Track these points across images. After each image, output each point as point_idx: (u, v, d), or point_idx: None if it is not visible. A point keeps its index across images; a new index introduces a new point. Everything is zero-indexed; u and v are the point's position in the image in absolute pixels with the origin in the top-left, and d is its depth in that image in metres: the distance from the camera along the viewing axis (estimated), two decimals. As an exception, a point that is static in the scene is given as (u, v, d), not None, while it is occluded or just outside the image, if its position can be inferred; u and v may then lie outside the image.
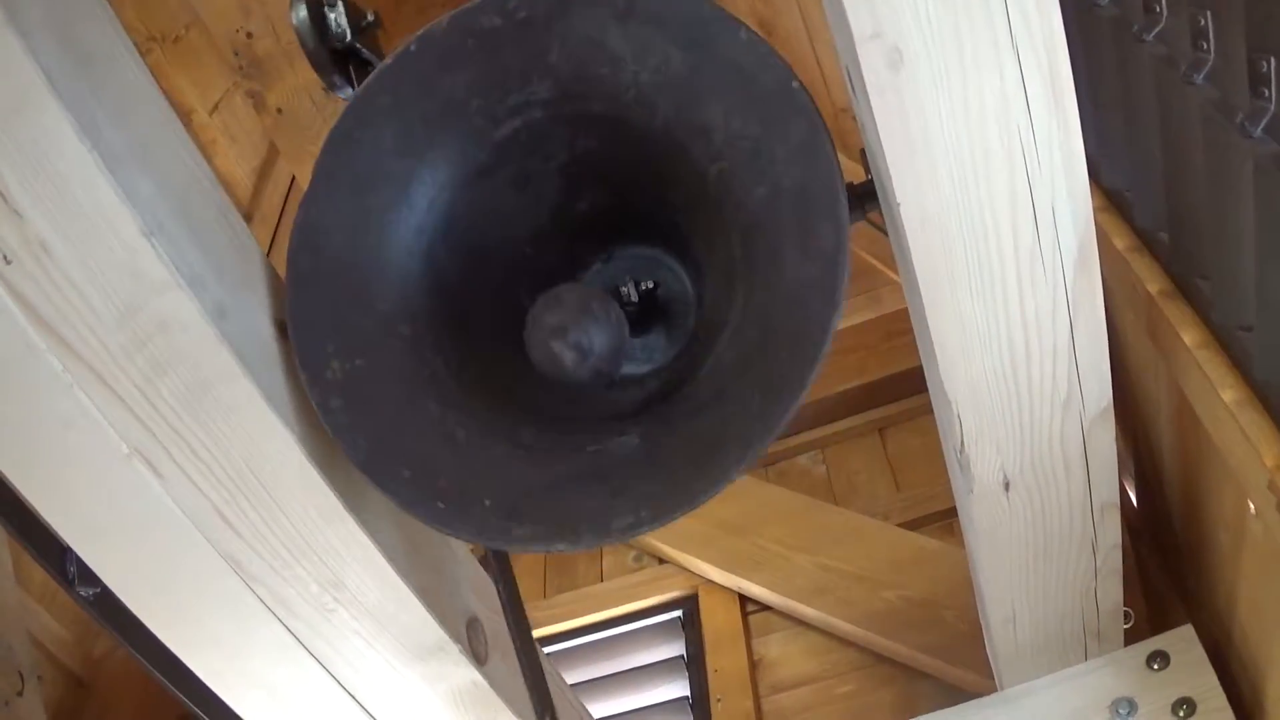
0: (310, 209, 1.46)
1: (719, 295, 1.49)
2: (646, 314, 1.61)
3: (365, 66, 1.64)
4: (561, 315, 1.43)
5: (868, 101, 1.26)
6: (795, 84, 1.34)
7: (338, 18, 1.69)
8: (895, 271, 3.17)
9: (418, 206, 1.47)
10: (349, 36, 1.65)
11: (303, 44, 1.68)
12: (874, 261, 3.60)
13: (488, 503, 1.44)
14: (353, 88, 1.61)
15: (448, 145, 1.46)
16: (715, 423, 1.41)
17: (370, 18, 1.75)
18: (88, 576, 1.50)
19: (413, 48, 1.44)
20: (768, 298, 1.38)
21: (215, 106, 4.10)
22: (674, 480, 1.40)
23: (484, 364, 1.53)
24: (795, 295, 1.35)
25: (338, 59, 1.70)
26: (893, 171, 1.30)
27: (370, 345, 1.45)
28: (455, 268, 1.51)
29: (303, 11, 1.70)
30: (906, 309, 1.60)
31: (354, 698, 1.65)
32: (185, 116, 3.90)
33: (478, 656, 1.66)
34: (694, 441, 1.42)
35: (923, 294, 1.41)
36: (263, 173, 4.20)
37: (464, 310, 1.53)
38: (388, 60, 1.45)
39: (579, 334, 1.41)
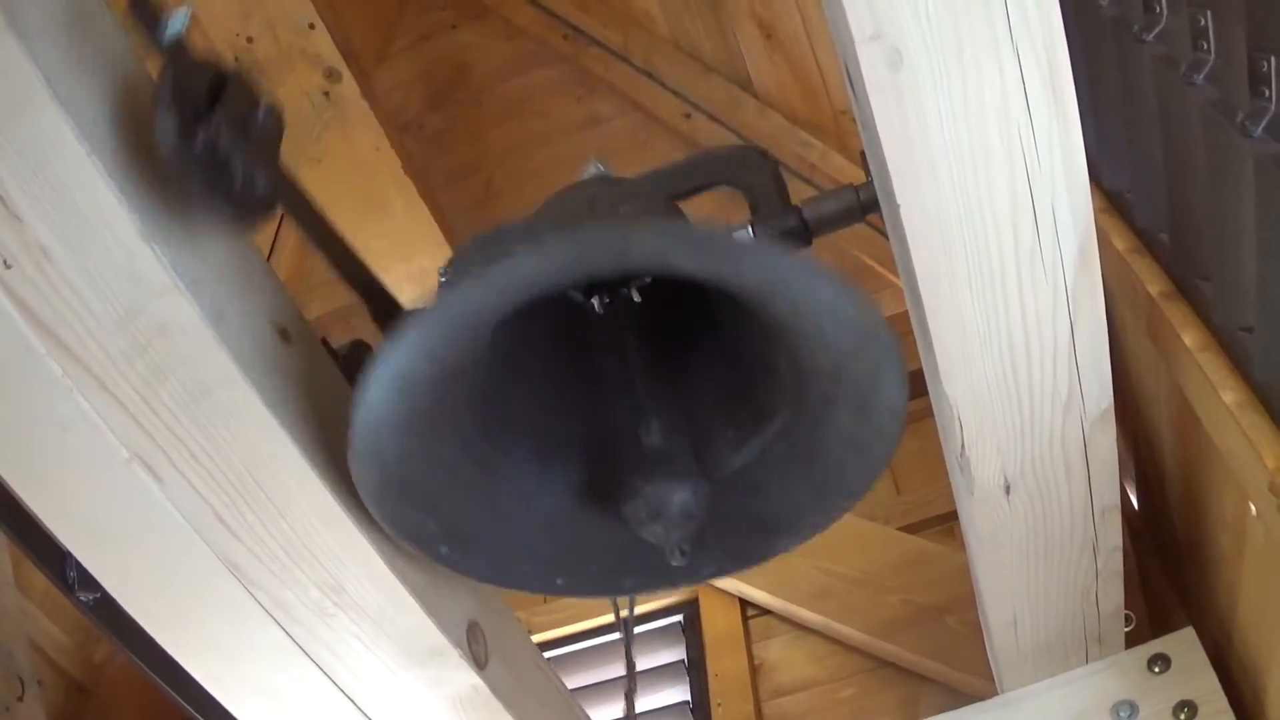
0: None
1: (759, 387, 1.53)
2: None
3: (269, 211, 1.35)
4: (664, 522, 1.45)
5: (868, 102, 1.26)
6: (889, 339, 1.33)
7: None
8: (895, 274, 3.18)
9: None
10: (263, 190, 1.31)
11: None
12: (874, 264, 3.61)
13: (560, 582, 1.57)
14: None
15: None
16: (763, 506, 1.50)
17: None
18: (87, 581, 1.50)
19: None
20: (813, 429, 1.44)
21: (216, 110, 4.09)
22: (726, 555, 1.50)
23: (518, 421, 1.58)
24: (842, 444, 1.43)
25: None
26: (892, 172, 1.30)
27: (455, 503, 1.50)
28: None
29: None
30: (906, 312, 1.59)
31: (354, 702, 1.64)
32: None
33: (478, 661, 1.66)
34: (749, 520, 1.50)
35: (922, 294, 1.41)
36: (263, 176, 4.19)
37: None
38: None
39: (675, 532, 1.45)
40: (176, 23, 1.23)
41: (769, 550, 1.50)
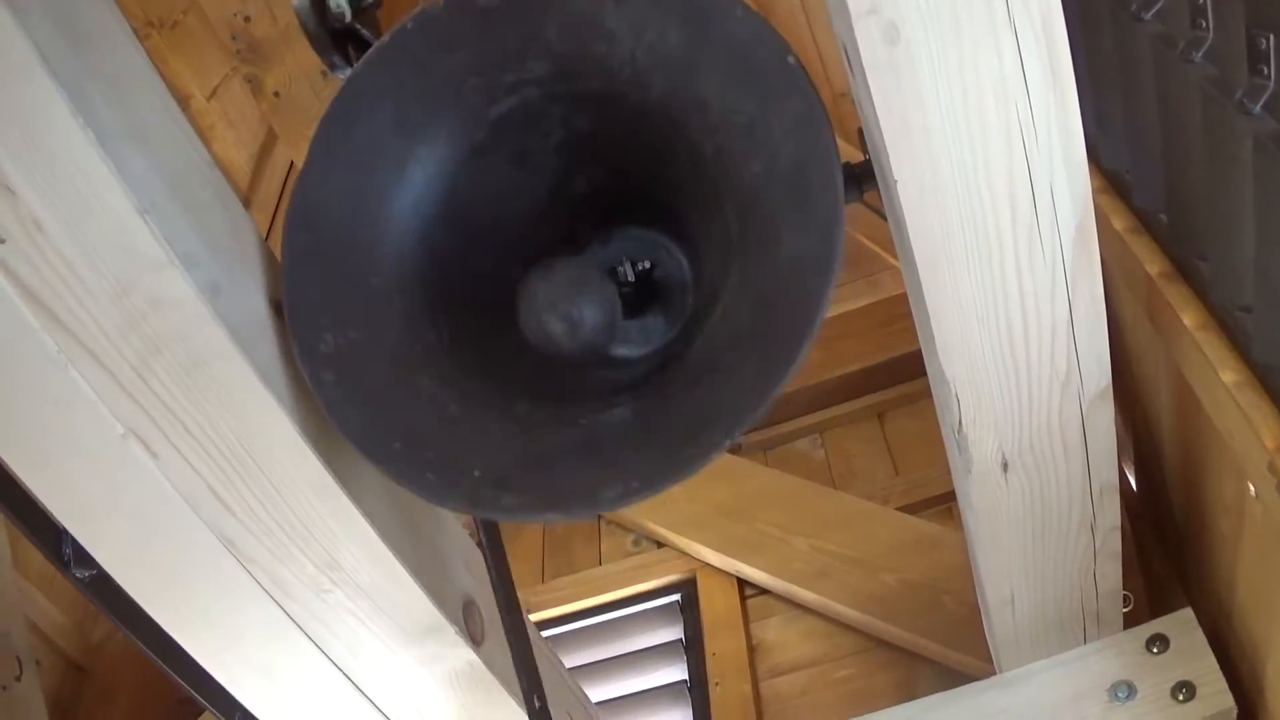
0: (306, 186, 1.45)
1: (715, 274, 1.49)
2: (643, 295, 1.60)
3: (365, 47, 1.64)
4: (553, 288, 1.43)
5: (865, 78, 1.25)
6: (791, 59, 1.33)
7: None
8: (893, 256, 3.17)
9: (414, 184, 1.47)
10: (348, 17, 1.65)
11: (302, 25, 1.67)
12: (872, 246, 3.60)
13: (478, 473, 1.43)
14: (352, 68, 1.61)
15: (445, 123, 1.46)
16: (708, 394, 1.40)
17: None
18: (83, 558, 1.49)
19: (410, 26, 1.44)
20: (763, 271, 1.37)
21: (213, 92, 4.10)
22: (665, 451, 1.40)
23: (479, 340, 1.53)
24: (791, 268, 1.35)
25: (337, 40, 1.69)
26: (890, 149, 1.30)
27: (364, 319, 1.45)
28: (451, 245, 1.51)
29: None
30: (904, 294, 1.59)
31: (350, 679, 1.64)
32: (183, 102, 3.90)
33: (474, 638, 1.66)
34: (686, 412, 1.41)
35: (920, 273, 1.41)
36: (260, 158, 4.20)
37: (460, 287, 1.53)
38: (385, 39, 1.46)
39: (570, 306, 1.42)
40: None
41: (704, 451, 1.44)
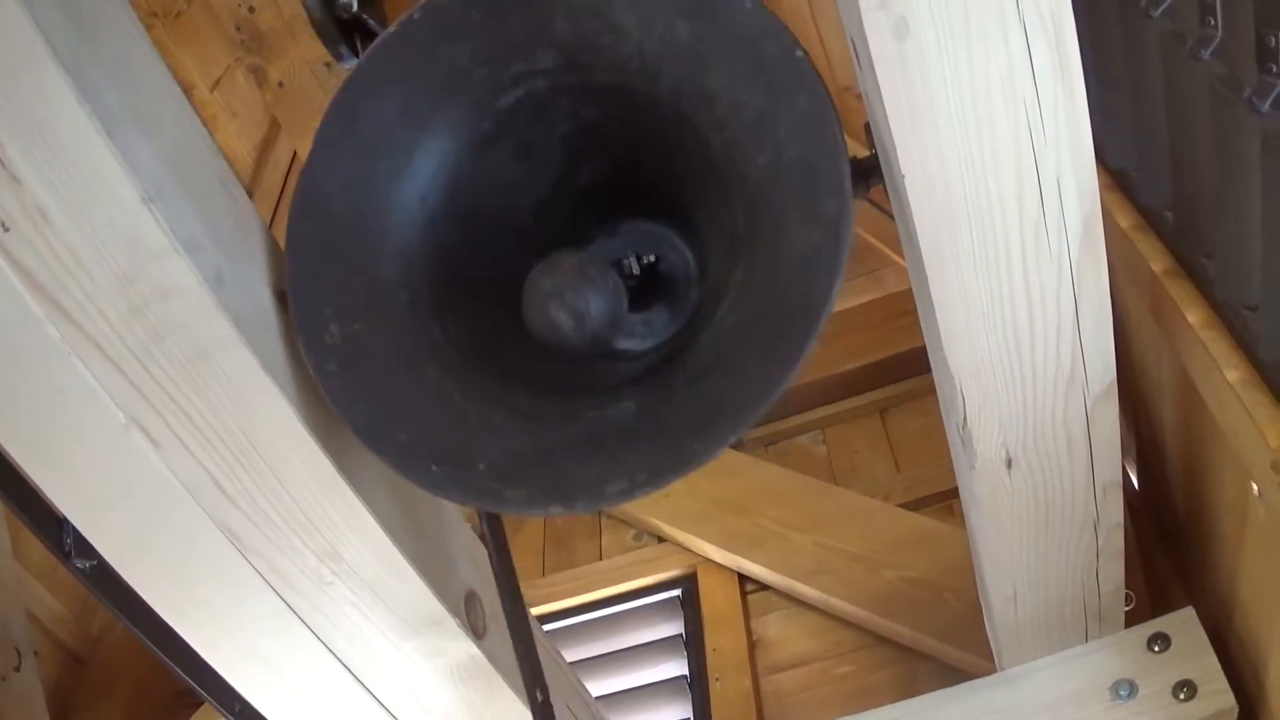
0: (312, 175, 1.45)
1: (721, 268, 1.49)
2: (649, 289, 1.60)
3: (371, 37, 1.64)
4: (558, 280, 1.42)
5: (873, 72, 1.25)
6: (799, 53, 1.33)
7: None
8: (897, 253, 3.16)
9: (420, 174, 1.46)
10: (355, 7, 1.65)
11: (309, 15, 1.68)
12: (876, 243, 3.60)
13: (482, 466, 1.43)
14: (358, 58, 1.61)
15: (451, 114, 1.46)
16: (713, 388, 1.40)
17: None
18: (84, 548, 1.49)
19: (417, 16, 1.43)
20: (769, 266, 1.37)
21: (217, 82, 4.09)
22: (670, 445, 1.39)
23: (484, 332, 1.53)
24: (797, 263, 1.34)
25: (344, 29, 1.69)
26: (898, 142, 1.30)
27: (369, 310, 1.45)
28: (457, 236, 1.51)
29: None
30: (908, 290, 1.59)
31: (351, 671, 1.64)
32: (186, 93, 3.88)
33: (476, 631, 1.66)
34: (691, 406, 1.41)
35: (926, 267, 1.41)
36: (264, 149, 4.19)
37: (465, 278, 1.52)
38: (391, 28, 1.45)
39: (575, 299, 1.41)
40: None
41: (709, 446, 1.44)
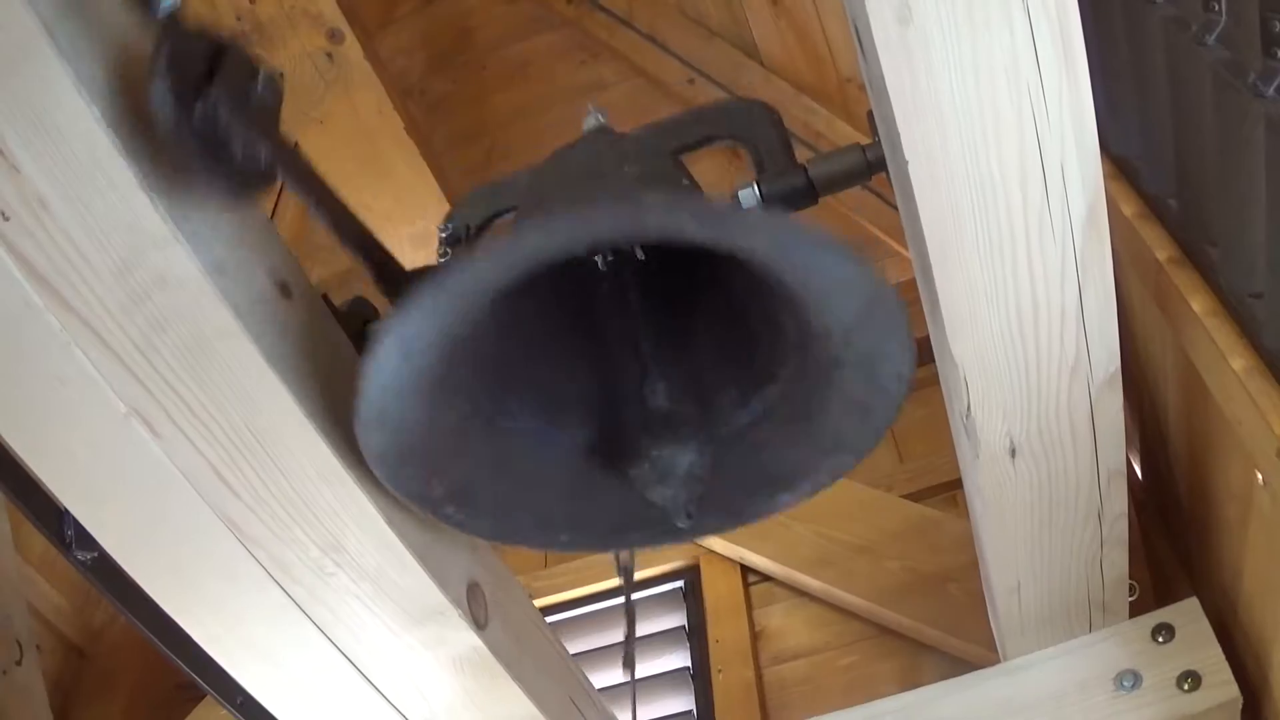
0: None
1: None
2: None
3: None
4: (663, 471, 1.47)
5: (876, 58, 1.25)
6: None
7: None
8: (900, 243, 3.16)
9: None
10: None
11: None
12: (878, 233, 3.59)
13: (565, 538, 1.58)
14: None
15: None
16: (770, 465, 1.50)
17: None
18: (85, 540, 1.49)
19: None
20: (821, 387, 1.42)
21: (217, 75, 4.09)
22: (727, 512, 1.52)
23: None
24: (828, 442, 1.46)
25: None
26: (901, 129, 1.29)
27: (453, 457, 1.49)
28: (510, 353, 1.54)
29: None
30: (911, 281, 1.59)
31: (352, 662, 1.64)
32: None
33: (478, 621, 1.65)
34: (751, 477, 1.50)
35: (930, 255, 1.40)
36: (265, 141, 4.19)
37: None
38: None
39: (679, 490, 1.47)
40: (171, -6, 1.22)
41: (771, 507, 1.50)
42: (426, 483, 1.44)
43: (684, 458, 1.44)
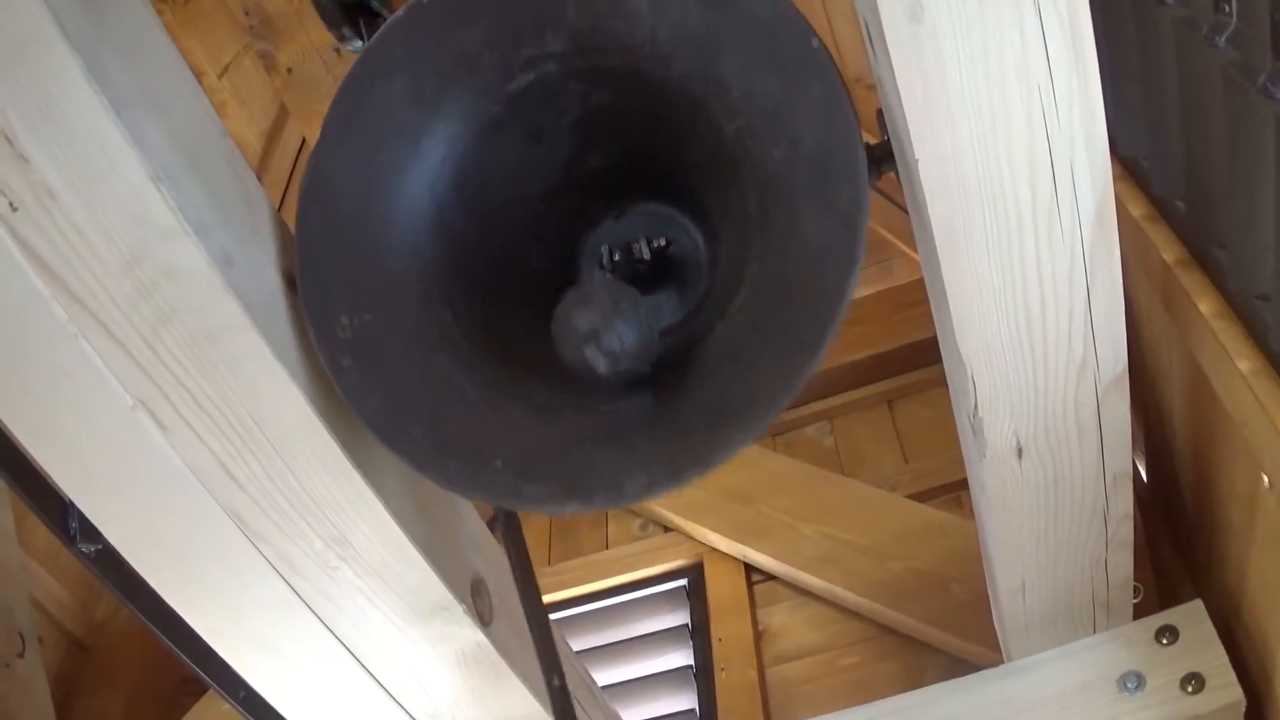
0: (320, 162, 1.44)
1: (733, 255, 1.48)
2: (658, 272, 1.59)
3: (376, 19, 1.62)
4: (592, 319, 1.39)
5: (886, 55, 1.25)
6: (815, 42, 1.32)
7: None
8: (906, 243, 3.16)
9: (429, 160, 1.45)
10: None
11: None
12: (885, 233, 3.60)
13: (499, 463, 1.43)
14: (363, 41, 1.59)
15: (460, 98, 1.45)
16: (731, 384, 1.39)
17: None
18: (89, 533, 1.49)
19: None
20: (784, 258, 1.36)
21: (225, 69, 4.09)
22: (689, 441, 1.39)
23: (496, 320, 1.52)
24: (813, 256, 1.34)
25: (348, 12, 1.67)
26: (911, 127, 1.29)
27: (381, 301, 1.44)
28: (467, 222, 1.50)
29: None
30: (917, 281, 1.59)
31: (356, 657, 1.64)
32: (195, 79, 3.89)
33: (482, 618, 1.65)
34: (709, 402, 1.40)
35: (939, 254, 1.40)
36: (272, 136, 4.19)
37: (475, 266, 1.51)
38: (399, 12, 1.44)
39: (611, 338, 1.39)
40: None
41: (724, 446, 1.43)
42: (335, 311, 1.44)
43: (632, 343, 1.40)
